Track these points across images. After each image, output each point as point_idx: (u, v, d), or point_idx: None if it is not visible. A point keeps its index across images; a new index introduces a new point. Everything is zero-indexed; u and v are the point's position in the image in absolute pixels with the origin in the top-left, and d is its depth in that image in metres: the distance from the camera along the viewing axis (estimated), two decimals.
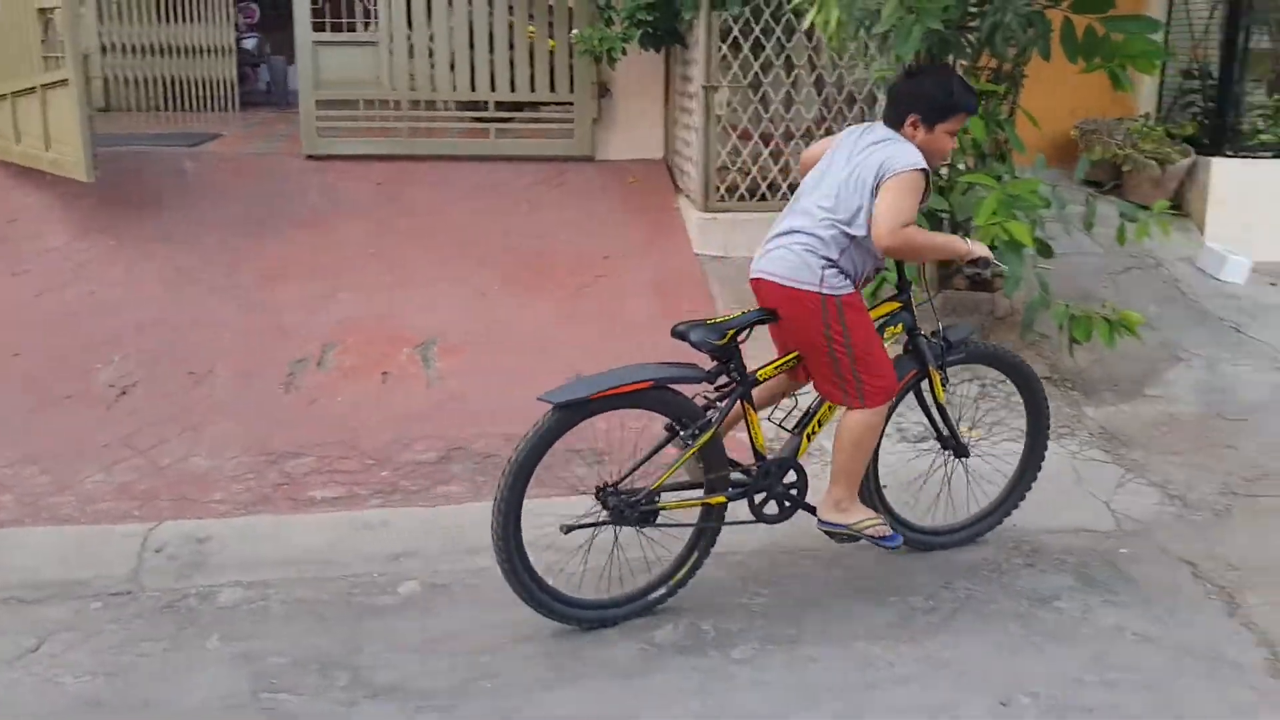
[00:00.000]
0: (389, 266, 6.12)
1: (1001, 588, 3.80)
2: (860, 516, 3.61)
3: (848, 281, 3.44)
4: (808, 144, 5.43)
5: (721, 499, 3.57)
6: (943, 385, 3.86)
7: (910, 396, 3.91)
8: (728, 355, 3.48)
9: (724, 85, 6.24)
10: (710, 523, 3.61)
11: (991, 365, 4.07)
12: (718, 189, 6.43)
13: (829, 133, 6.07)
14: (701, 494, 3.57)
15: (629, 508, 3.44)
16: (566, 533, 3.43)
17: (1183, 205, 6.85)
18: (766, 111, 6.36)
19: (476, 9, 7.32)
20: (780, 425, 3.85)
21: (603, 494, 3.47)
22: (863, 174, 3.38)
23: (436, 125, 7.55)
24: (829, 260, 3.40)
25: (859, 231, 3.39)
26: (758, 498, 3.65)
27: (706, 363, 3.52)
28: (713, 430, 3.47)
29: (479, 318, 5.63)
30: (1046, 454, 4.12)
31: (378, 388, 5.06)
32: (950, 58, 4.89)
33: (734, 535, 3.74)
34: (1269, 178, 6.67)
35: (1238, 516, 4.30)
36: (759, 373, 3.59)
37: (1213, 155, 6.75)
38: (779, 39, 6.26)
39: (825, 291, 3.38)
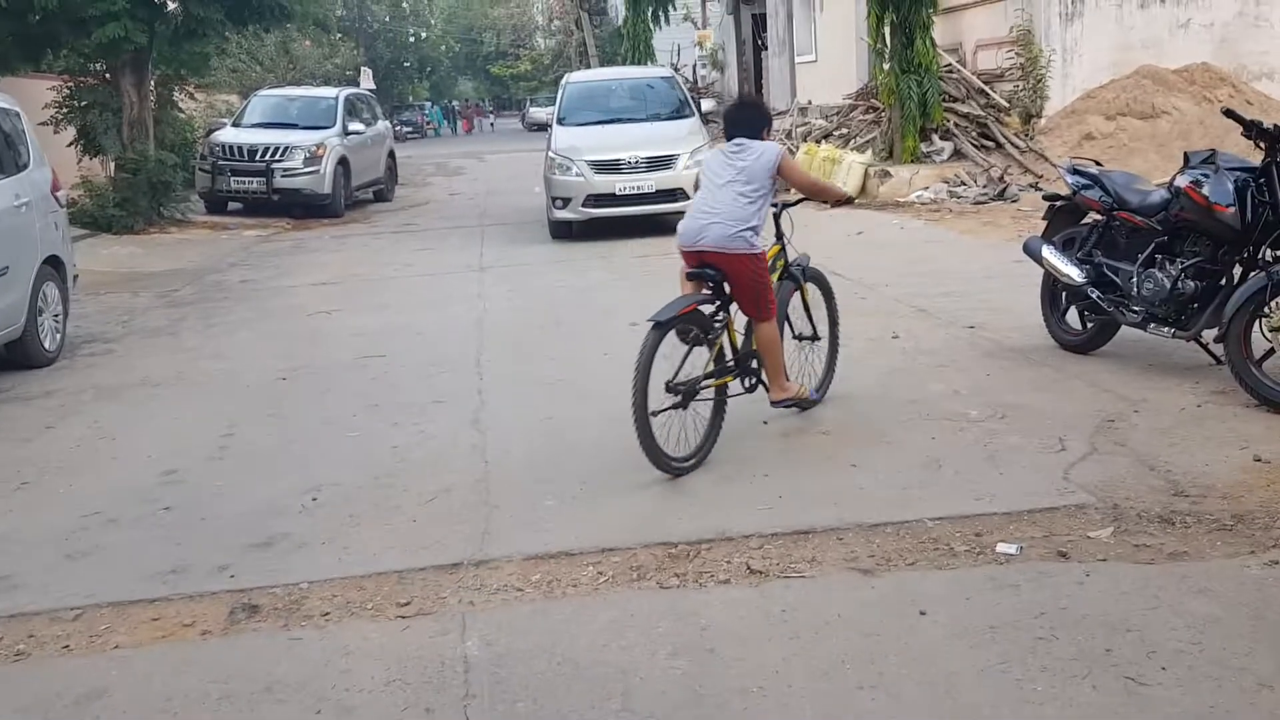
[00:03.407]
0: None
1: None
2: (796, 389, 5.43)
3: (761, 239, 5.10)
4: None
5: (726, 379, 5.23)
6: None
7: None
8: (720, 288, 5.18)
9: None
10: (724, 395, 5.24)
11: (812, 281, 5.84)
12: None
13: None
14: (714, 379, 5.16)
15: (687, 394, 4.98)
16: (654, 416, 4.82)
17: None
18: None
19: None
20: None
21: (669, 386, 4.90)
22: (763, 163, 5.13)
23: None
24: (754, 229, 5.06)
25: (765, 201, 5.14)
26: (743, 379, 5.37)
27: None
28: (724, 333, 5.18)
29: None
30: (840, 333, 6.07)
31: None
32: None
33: None
34: None
35: None
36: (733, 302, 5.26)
37: None
38: None
39: (755, 251, 5.07)
